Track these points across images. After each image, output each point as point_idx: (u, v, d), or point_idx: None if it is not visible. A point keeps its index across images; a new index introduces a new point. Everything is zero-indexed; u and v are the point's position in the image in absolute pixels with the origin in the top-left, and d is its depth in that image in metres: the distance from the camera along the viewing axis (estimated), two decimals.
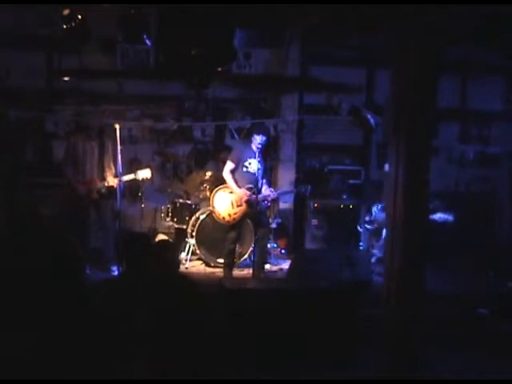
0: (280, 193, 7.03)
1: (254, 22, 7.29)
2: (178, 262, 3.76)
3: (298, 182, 7.47)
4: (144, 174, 6.62)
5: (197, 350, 3.38)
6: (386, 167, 7.02)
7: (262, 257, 6.77)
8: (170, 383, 3.24)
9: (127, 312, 3.30)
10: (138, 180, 6.71)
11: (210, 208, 6.97)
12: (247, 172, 6.59)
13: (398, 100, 3.89)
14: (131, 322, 3.27)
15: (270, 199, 6.83)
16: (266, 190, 6.69)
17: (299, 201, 8.26)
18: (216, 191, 6.81)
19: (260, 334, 4.54)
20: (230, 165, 6.63)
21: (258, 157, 6.45)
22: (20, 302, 3.01)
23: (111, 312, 3.27)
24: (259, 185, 6.51)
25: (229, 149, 7.60)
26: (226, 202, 6.66)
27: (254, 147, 6.61)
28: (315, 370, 4.45)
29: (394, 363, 3.93)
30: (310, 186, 6.86)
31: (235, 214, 6.61)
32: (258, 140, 6.52)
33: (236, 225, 6.67)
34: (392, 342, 3.94)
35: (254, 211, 6.49)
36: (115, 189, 6.39)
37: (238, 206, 6.60)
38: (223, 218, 6.67)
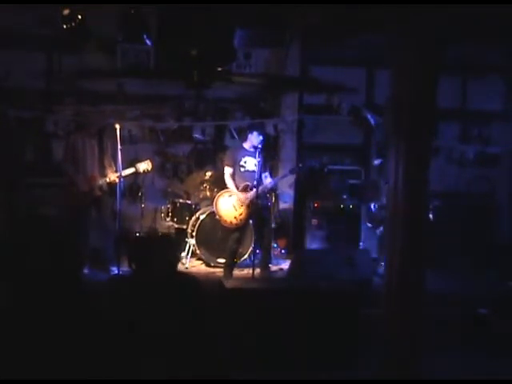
0: (277, 179, 7.10)
1: (253, 22, 7.28)
2: (178, 259, 3.75)
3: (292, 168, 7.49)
4: (144, 166, 6.63)
5: (196, 349, 3.38)
6: (376, 162, 7.08)
7: (266, 256, 6.78)
8: (171, 383, 3.24)
9: (134, 313, 3.30)
10: (139, 173, 6.71)
11: (212, 209, 6.97)
12: (246, 171, 6.62)
13: (398, 100, 3.89)
14: (137, 322, 3.28)
15: (269, 187, 6.82)
16: (267, 180, 6.72)
17: (299, 201, 8.27)
18: (217, 199, 6.79)
19: (260, 334, 4.54)
20: (228, 170, 6.67)
21: (259, 156, 6.46)
22: (20, 301, 3.01)
23: (118, 312, 3.27)
24: (259, 180, 6.51)
25: (227, 148, 7.65)
26: (229, 206, 6.66)
27: (247, 146, 6.64)
28: (315, 370, 4.45)
29: (394, 363, 3.93)
30: (301, 165, 6.90)
31: (240, 214, 6.61)
32: (255, 139, 6.54)
33: (242, 226, 6.67)
34: (392, 342, 3.94)
35: (257, 208, 6.50)
36: (116, 186, 6.39)
37: (240, 206, 6.61)
38: (230, 222, 6.66)
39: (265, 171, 6.73)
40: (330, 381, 4.28)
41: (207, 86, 7.77)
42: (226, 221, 6.70)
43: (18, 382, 2.83)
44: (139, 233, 7.72)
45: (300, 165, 6.99)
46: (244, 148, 6.69)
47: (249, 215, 6.63)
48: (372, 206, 7.25)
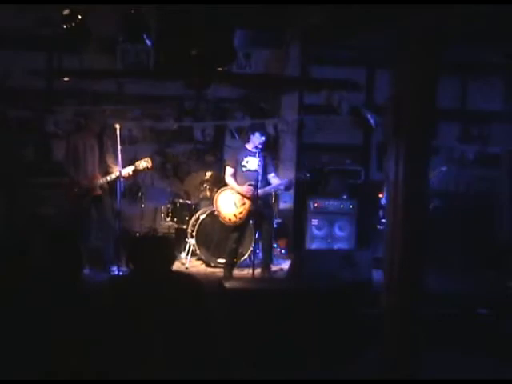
0: (282, 183, 7.01)
1: (254, 22, 7.28)
2: (173, 258, 3.75)
3: (296, 171, 7.47)
4: (144, 164, 6.62)
5: (196, 349, 3.38)
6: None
7: (266, 256, 6.77)
8: (171, 383, 3.24)
9: (134, 312, 3.30)
10: (140, 170, 6.69)
11: (212, 209, 6.98)
12: (247, 171, 6.62)
13: (398, 100, 3.89)
14: (136, 322, 3.27)
15: (268, 192, 6.78)
16: (273, 180, 6.71)
17: (299, 201, 8.27)
18: (217, 195, 6.80)
19: (260, 334, 4.54)
20: (229, 170, 6.67)
21: (259, 156, 6.47)
22: (20, 300, 3.01)
23: (118, 312, 3.27)
24: (261, 181, 6.50)
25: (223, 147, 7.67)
26: (229, 203, 6.67)
27: (249, 146, 6.64)
28: (315, 370, 4.45)
29: (394, 363, 3.93)
30: (308, 174, 6.88)
31: (240, 213, 6.61)
32: (257, 140, 6.55)
33: (241, 224, 6.67)
34: (392, 342, 3.94)
35: (257, 207, 6.50)
36: (116, 186, 6.39)
37: (241, 204, 6.61)
38: (229, 219, 6.67)
39: (270, 172, 6.72)
40: (330, 381, 4.28)
41: (207, 85, 7.76)
42: (224, 217, 6.70)
43: (18, 382, 2.83)
44: (139, 233, 7.74)
45: (308, 174, 6.94)
46: (246, 148, 6.69)
47: (249, 214, 6.63)
48: (382, 201, 7.26)
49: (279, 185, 6.87)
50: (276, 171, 7.16)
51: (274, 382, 4.25)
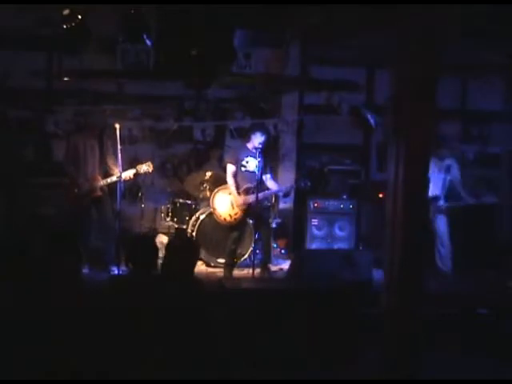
0: (281, 189, 6.97)
1: (254, 22, 7.28)
2: (194, 264, 3.75)
3: (297, 178, 7.44)
4: (145, 168, 6.63)
5: (196, 349, 3.38)
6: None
7: (266, 256, 6.77)
8: (170, 383, 3.24)
9: (133, 311, 3.30)
10: (140, 174, 6.70)
11: (211, 209, 6.98)
12: (246, 171, 6.61)
13: (397, 100, 3.89)
14: (136, 322, 3.27)
15: (268, 195, 6.80)
16: (269, 182, 6.71)
17: (299, 201, 8.27)
18: (215, 192, 6.82)
19: (260, 334, 4.54)
20: (231, 168, 6.64)
21: (259, 156, 6.46)
22: (20, 300, 3.01)
23: (117, 310, 3.27)
24: (259, 183, 6.50)
25: (223, 147, 7.64)
26: (226, 203, 6.67)
27: (249, 146, 6.64)
28: (315, 370, 4.45)
29: (394, 363, 3.93)
30: (309, 182, 6.87)
31: (236, 214, 6.62)
32: (257, 140, 6.54)
33: (238, 225, 6.67)
34: (392, 342, 3.94)
35: (255, 210, 6.50)
36: (116, 186, 6.39)
37: (237, 206, 6.60)
38: (224, 218, 6.68)
39: (266, 173, 6.72)
40: (330, 381, 4.29)
41: (207, 85, 7.77)
42: (220, 216, 6.72)
43: (18, 382, 2.83)
44: (139, 233, 7.73)
45: (309, 182, 6.91)
46: (247, 148, 6.69)
47: (244, 216, 6.64)
48: None
49: (278, 190, 6.89)
50: (273, 173, 7.14)
51: (274, 382, 4.25)
